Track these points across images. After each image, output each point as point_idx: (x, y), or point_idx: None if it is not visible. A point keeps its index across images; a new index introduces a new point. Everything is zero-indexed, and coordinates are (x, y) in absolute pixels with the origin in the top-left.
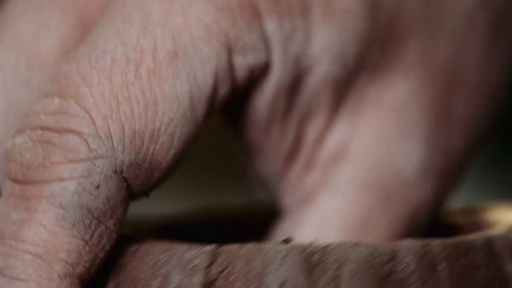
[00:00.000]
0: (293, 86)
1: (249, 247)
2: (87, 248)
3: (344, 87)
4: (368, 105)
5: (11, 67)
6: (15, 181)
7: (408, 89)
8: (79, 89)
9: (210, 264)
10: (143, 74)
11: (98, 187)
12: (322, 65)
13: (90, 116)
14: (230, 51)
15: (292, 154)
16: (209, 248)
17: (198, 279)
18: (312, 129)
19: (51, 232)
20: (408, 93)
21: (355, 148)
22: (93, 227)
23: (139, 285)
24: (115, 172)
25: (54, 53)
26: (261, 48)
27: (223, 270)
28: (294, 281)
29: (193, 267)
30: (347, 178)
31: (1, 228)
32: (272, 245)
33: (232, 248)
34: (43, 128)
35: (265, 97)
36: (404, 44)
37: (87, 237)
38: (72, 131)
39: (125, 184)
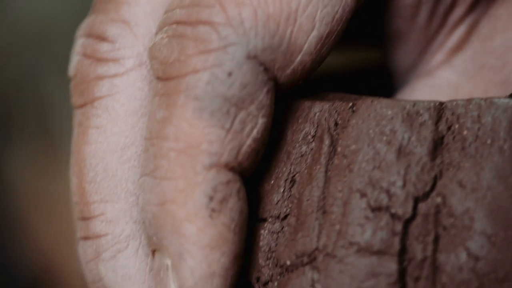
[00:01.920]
0: None
1: (477, 102)
2: (229, 136)
3: None
4: None
5: None
6: (158, 78)
7: None
8: None
9: (438, 120)
10: None
11: (230, 74)
12: None
13: (221, 5)
14: None
15: (430, 42)
16: (432, 103)
17: (427, 136)
18: (453, 16)
19: (191, 125)
20: None
21: (481, 32)
22: (232, 115)
23: (362, 144)
24: (248, 57)
25: None
26: None
27: (450, 127)
28: None
29: (421, 123)
30: (468, 58)
31: (149, 128)
32: (500, 100)
33: (457, 104)
34: (177, 23)
35: None
36: None
37: (227, 125)
38: (203, 22)
39: (262, 67)
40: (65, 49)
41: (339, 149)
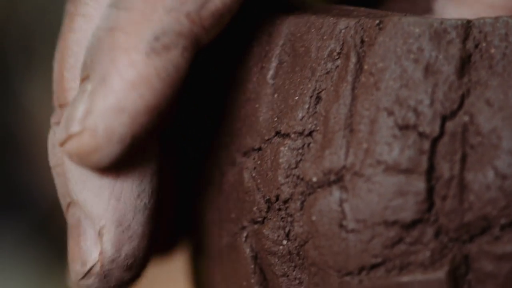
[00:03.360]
0: None
1: (504, 20)
2: None
3: None
4: None
5: None
6: None
7: None
8: None
9: (465, 39)
10: None
11: None
12: None
13: None
14: None
15: None
16: (459, 21)
17: (454, 54)
18: None
19: None
20: None
21: None
22: None
23: (389, 62)
24: None
25: None
26: None
27: (477, 45)
28: None
29: (448, 41)
30: None
31: None
32: None
33: (484, 22)
34: None
35: None
36: None
37: None
38: None
39: None
40: None
41: (365, 67)
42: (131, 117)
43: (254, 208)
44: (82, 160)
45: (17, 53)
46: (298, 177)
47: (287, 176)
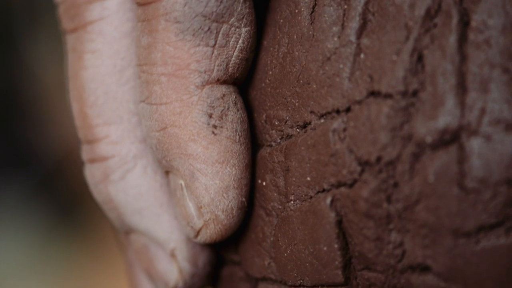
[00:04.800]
0: None
1: None
2: (215, 52)
3: None
4: None
5: None
6: (137, 4)
7: None
8: None
9: None
10: None
11: None
12: None
13: None
14: None
15: None
16: None
17: None
18: None
19: (176, 48)
20: None
21: None
22: (214, 31)
23: (498, 18)
24: None
25: None
26: None
27: None
28: None
29: None
30: None
31: (137, 54)
32: None
33: None
34: None
35: None
36: None
37: (211, 42)
38: None
39: None
40: None
41: (473, 24)
42: (236, 187)
43: (344, 171)
44: (218, 241)
45: (21, 15)
46: (405, 138)
47: (392, 137)
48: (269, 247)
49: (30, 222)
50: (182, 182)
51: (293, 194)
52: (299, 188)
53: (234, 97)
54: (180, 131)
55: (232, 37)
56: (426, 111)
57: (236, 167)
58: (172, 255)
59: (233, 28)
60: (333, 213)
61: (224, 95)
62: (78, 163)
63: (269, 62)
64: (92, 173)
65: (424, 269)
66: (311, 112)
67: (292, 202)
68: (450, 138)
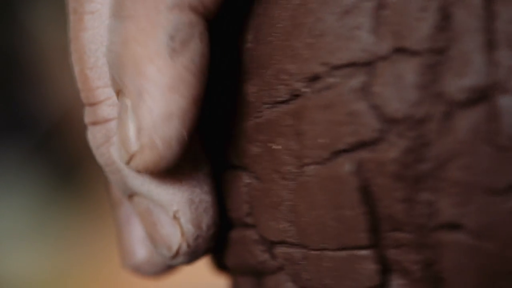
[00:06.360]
0: None
1: None
2: None
3: None
4: None
5: None
6: None
7: None
8: None
9: None
10: None
11: None
12: None
13: None
14: None
15: None
16: None
17: None
18: None
19: None
20: None
21: None
22: None
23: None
24: None
25: None
26: None
27: None
28: None
29: None
30: None
31: None
32: None
33: None
34: None
35: None
36: None
37: None
38: None
39: None
40: None
41: None
42: (180, 117)
43: (365, 130)
44: (151, 171)
45: None
46: (435, 96)
47: (422, 95)
48: (287, 211)
49: (29, 183)
50: (129, 102)
51: (309, 157)
52: (314, 151)
53: (201, 28)
54: (140, 47)
55: None
56: (454, 69)
57: (185, 98)
58: (175, 217)
59: None
60: (356, 178)
61: (191, 23)
62: (77, 124)
63: (277, 15)
64: (94, 136)
65: (456, 227)
66: (323, 63)
67: (308, 166)
68: (480, 96)
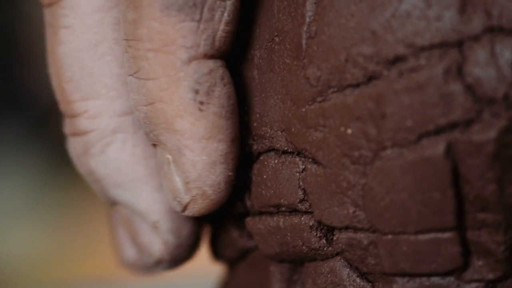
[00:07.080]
0: None
1: None
2: (201, 27)
3: None
4: None
5: None
6: None
7: None
8: None
9: None
10: None
11: None
12: None
13: None
14: None
15: None
16: None
17: None
18: None
19: (161, 23)
20: None
21: None
22: (199, 5)
23: None
24: None
25: None
26: None
27: None
28: None
29: None
30: None
31: (124, 29)
32: None
33: None
34: None
35: None
36: None
37: (197, 16)
38: None
39: None
40: None
41: None
42: (223, 162)
43: (459, 111)
44: (205, 214)
45: None
46: None
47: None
48: (356, 196)
49: (27, 163)
50: (170, 157)
51: (390, 140)
52: (398, 133)
53: (221, 72)
54: (167, 106)
55: (217, 10)
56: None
57: (223, 142)
58: (155, 227)
59: (218, 2)
60: (448, 160)
61: (211, 70)
62: None
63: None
64: (74, 146)
65: None
66: (407, 45)
67: (388, 149)
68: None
